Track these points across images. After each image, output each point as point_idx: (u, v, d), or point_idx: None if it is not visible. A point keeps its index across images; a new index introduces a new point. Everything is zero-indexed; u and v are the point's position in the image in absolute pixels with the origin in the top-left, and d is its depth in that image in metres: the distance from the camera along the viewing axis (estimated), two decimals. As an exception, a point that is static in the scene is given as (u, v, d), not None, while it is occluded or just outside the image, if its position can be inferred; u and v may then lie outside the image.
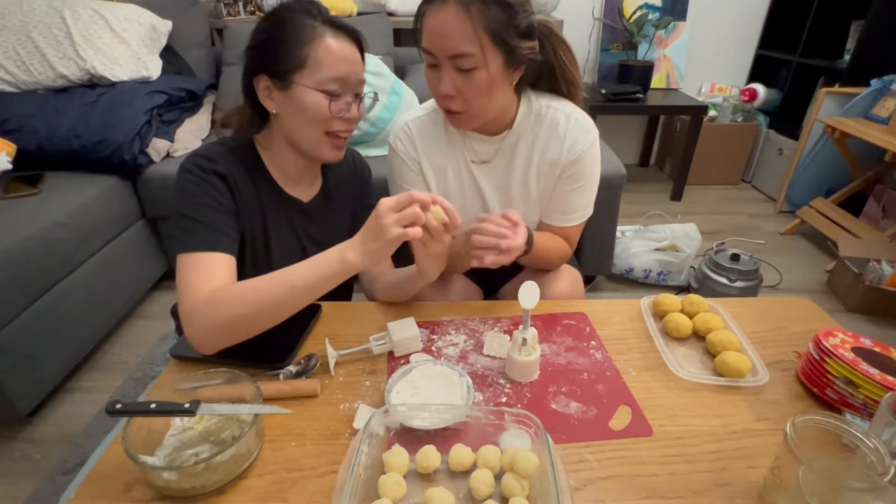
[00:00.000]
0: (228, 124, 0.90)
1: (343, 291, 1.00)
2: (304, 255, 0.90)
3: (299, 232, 0.92)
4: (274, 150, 0.87)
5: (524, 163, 0.97)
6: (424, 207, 0.70)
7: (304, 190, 0.93)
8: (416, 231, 0.68)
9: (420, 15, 0.82)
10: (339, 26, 0.80)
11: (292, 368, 0.75)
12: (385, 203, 0.69)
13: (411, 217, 0.68)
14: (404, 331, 0.80)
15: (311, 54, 0.77)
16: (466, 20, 0.76)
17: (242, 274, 0.82)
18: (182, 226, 0.77)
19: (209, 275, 0.74)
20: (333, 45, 0.78)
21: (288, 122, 0.83)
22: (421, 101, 2.01)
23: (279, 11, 0.80)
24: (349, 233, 1.00)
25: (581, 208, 1.00)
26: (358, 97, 0.84)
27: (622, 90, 2.64)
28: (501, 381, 0.76)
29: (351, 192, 1.01)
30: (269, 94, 0.81)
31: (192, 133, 2.03)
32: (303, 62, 0.77)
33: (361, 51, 0.84)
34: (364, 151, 1.93)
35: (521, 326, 0.75)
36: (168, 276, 2.06)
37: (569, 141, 0.94)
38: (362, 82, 0.84)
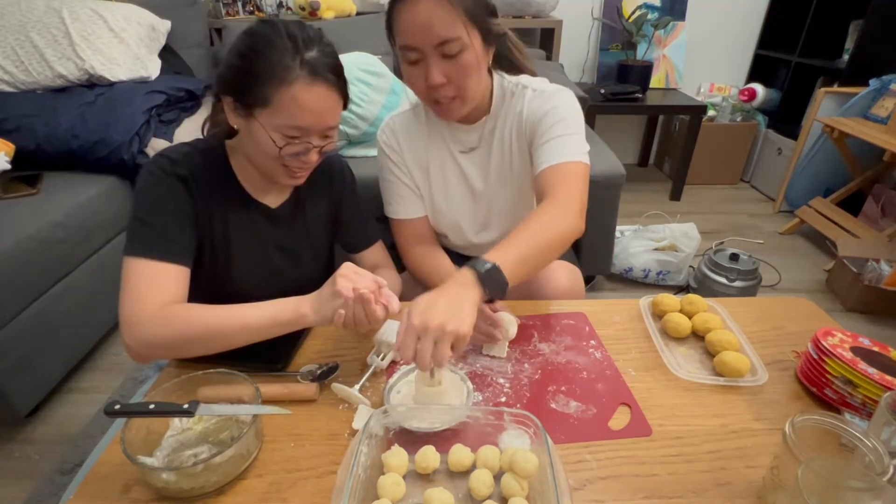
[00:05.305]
0: (218, 122, 0.88)
1: None
2: (270, 262, 0.88)
3: (265, 238, 0.88)
4: (240, 158, 0.85)
5: (502, 142, 0.98)
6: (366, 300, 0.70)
7: (274, 196, 0.89)
8: (339, 317, 0.69)
9: (392, 15, 0.82)
10: (319, 73, 0.73)
11: (312, 372, 0.74)
12: (343, 277, 0.70)
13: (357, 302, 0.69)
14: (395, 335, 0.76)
15: (277, 98, 0.72)
16: (447, 5, 0.78)
17: (199, 278, 0.80)
18: (135, 228, 0.74)
19: (160, 286, 0.72)
20: (303, 96, 0.72)
21: (246, 145, 0.80)
22: (420, 100, 2.01)
23: (259, 39, 0.73)
24: (325, 241, 0.98)
25: (572, 153, 0.88)
26: (327, 139, 0.79)
27: (621, 90, 2.65)
28: (501, 381, 0.76)
29: (327, 201, 0.96)
30: (233, 113, 0.77)
31: (191, 133, 2.02)
32: (266, 101, 0.72)
33: (344, 93, 0.78)
34: (363, 151, 1.92)
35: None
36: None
37: (532, 107, 0.93)
38: (332, 128, 0.78)
